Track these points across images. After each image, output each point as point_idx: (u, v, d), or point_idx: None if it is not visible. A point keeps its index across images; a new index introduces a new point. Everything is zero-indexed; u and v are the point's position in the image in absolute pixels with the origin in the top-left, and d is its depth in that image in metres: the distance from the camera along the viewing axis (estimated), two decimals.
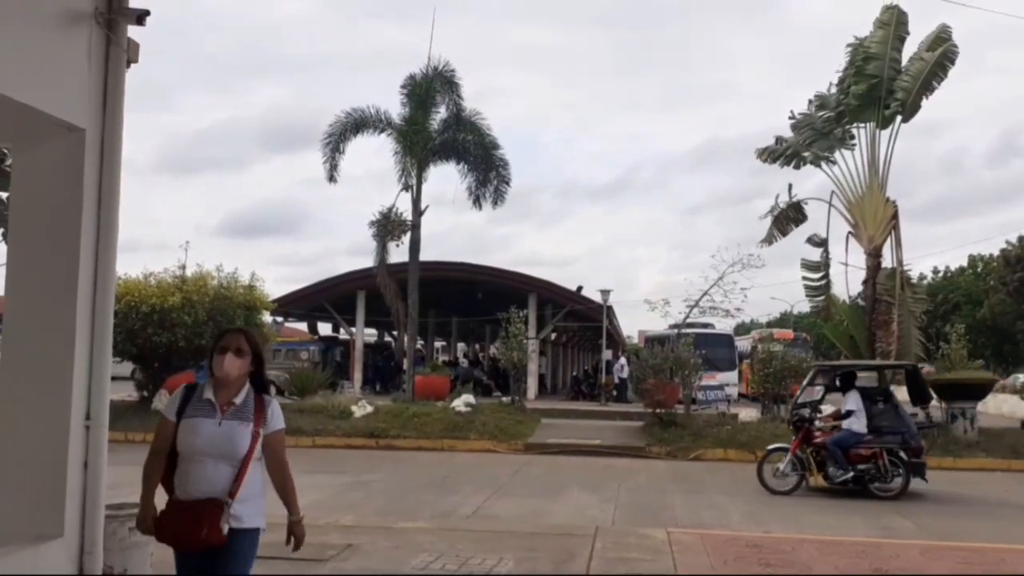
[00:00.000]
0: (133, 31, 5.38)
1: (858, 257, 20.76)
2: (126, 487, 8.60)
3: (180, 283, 19.34)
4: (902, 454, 12.33)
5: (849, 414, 12.50)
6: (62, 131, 5.03)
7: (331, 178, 24.14)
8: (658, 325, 33.15)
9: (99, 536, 5.05)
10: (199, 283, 19.37)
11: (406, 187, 24.21)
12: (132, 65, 5.44)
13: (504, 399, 23.34)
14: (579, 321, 34.31)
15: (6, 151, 20.16)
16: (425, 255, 24.97)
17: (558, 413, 24.07)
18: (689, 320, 25.75)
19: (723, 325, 31.32)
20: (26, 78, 4.56)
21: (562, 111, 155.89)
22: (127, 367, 22.30)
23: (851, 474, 12.25)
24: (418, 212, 24.14)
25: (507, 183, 24.95)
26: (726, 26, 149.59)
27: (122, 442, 15.01)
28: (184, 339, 18.60)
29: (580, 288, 33.11)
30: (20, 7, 4.56)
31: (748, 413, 20.60)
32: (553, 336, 38.34)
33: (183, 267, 20.20)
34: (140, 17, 5.25)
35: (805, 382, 15.10)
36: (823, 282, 21.36)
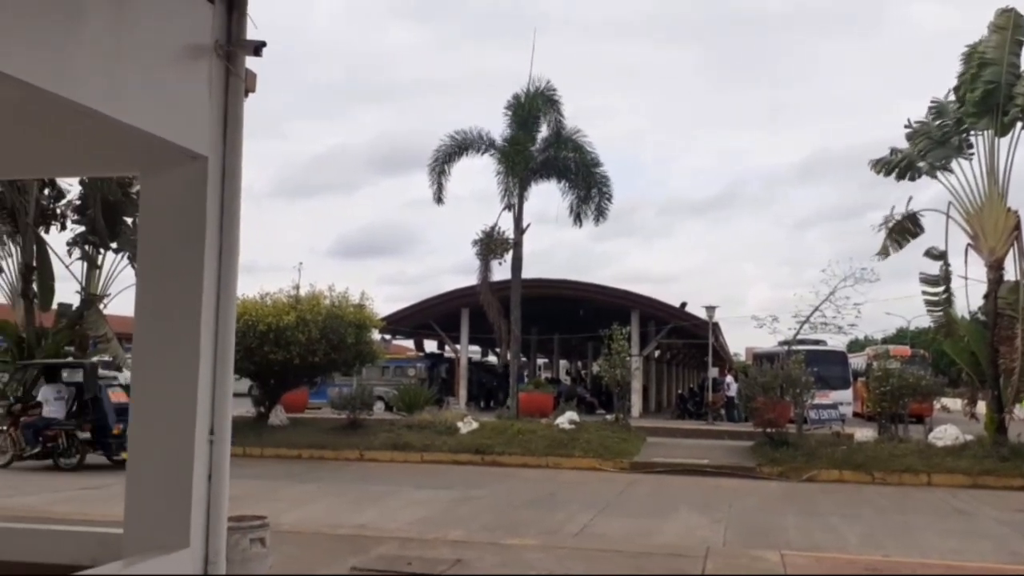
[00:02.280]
0: (250, 62, 5.61)
1: (978, 270, 19.77)
2: (246, 499, 8.93)
3: (294, 303, 20.00)
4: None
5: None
6: (186, 159, 5.27)
7: (438, 200, 24.60)
8: (766, 342, 32.29)
9: (222, 546, 5.22)
10: (312, 303, 19.99)
11: (508, 206, 24.43)
12: (250, 94, 5.66)
13: (608, 417, 23.16)
14: (683, 338, 33.80)
15: (132, 178, 21.33)
16: (527, 272, 25.13)
17: (664, 432, 23.73)
18: (800, 337, 24.99)
19: (835, 342, 30.23)
20: (153, 109, 4.81)
21: (663, 127, 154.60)
22: (244, 384, 23.16)
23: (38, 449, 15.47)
24: (520, 230, 24.30)
25: (609, 200, 24.91)
26: (831, 36, 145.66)
27: (240, 456, 15.60)
28: (299, 356, 19.20)
29: (684, 304, 32.65)
30: (147, 43, 4.82)
31: (864, 433, 19.84)
32: (657, 353, 37.88)
33: (297, 287, 20.95)
34: (257, 48, 5.46)
35: None
36: (944, 296, 20.38)
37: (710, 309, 30.03)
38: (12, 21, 3.77)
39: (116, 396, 16.36)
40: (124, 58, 4.51)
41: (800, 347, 23.88)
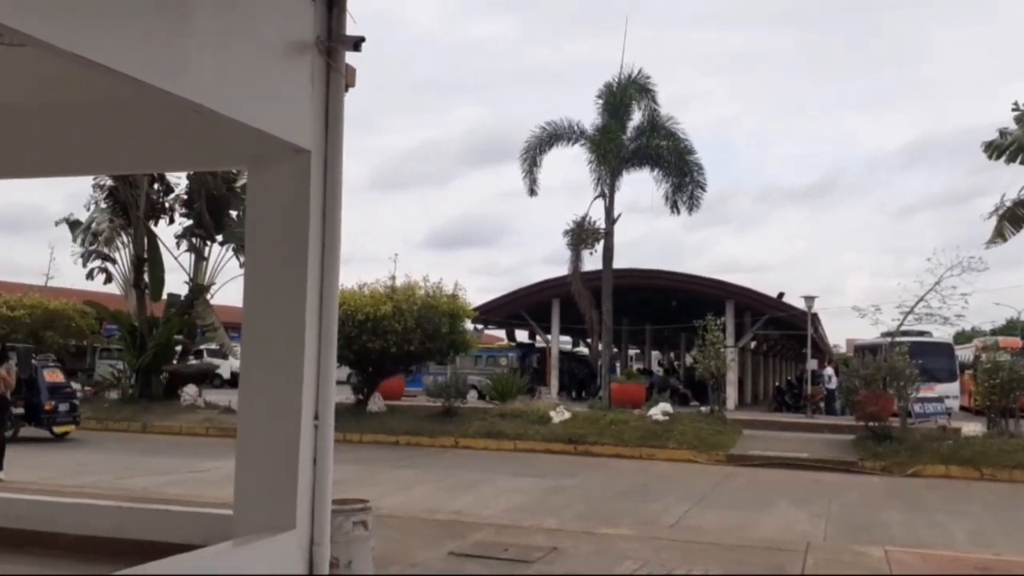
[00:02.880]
0: (350, 57, 5.74)
1: None
2: (347, 483, 9.17)
3: (391, 293, 20.40)
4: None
5: None
6: (290, 153, 5.43)
7: (531, 191, 24.65)
8: (868, 333, 31.22)
9: (327, 529, 5.38)
10: (408, 293, 20.35)
11: (599, 195, 24.30)
12: (350, 89, 5.79)
13: (702, 409, 22.86)
14: (781, 329, 33.04)
15: (236, 173, 22.10)
16: (618, 262, 24.95)
17: (760, 424, 23.28)
18: (903, 328, 24.11)
19: (941, 333, 29.10)
20: (260, 106, 4.97)
21: (760, 113, 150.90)
22: (343, 372, 23.76)
23: None
24: (611, 220, 24.15)
25: (703, 188, 24.50)
26: (936, 17, 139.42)
27: (340, 442, 15.98)
28: (395, 345, 19.59)
29: (781, 295, 31.90)
30: (253, 42, 4.98)
31: (972, 427, 19.03)
32: (752, 345, 37.15)
33: (393, 278, 21.36)
34: (356, 44, 5.58)
35: None
36: None
37: (809, 299, 29.23)
38: (128, 23, 3.94)
39: (51, 376, 17.89)
40: (232, 56, 4.67)
41: (904, 339, 23.05)
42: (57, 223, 24.05)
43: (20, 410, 16.81)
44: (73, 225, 23.61)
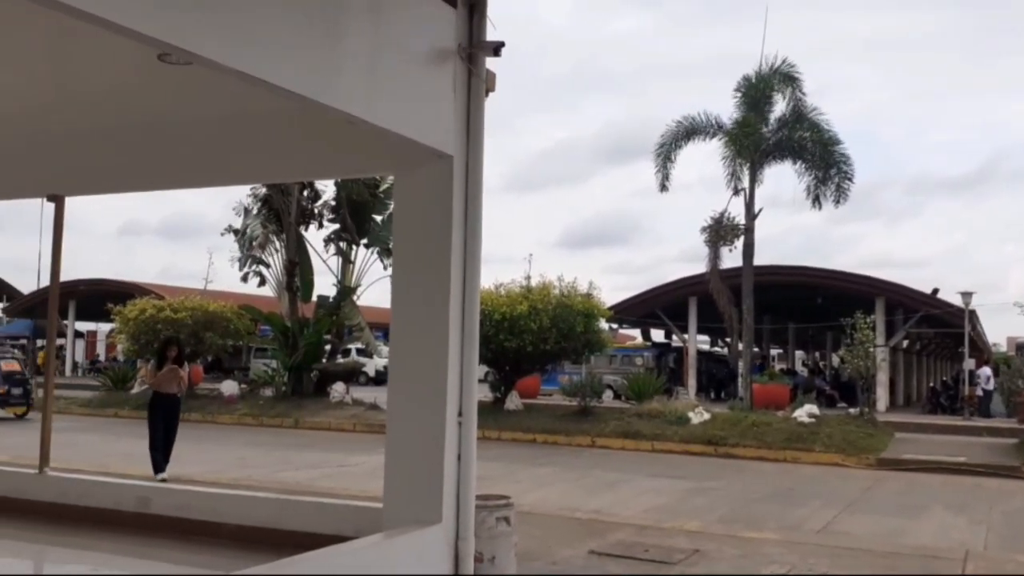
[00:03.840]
0: (490, 62, 5.85)
1: None
2: (487, 479, 9.35)
3: (526, 293, 20.63)
4: None
5: None
6: (433, 158, 5.59)
7: (663, 187, 24.38)
8: None
9: (471, 523, 5.50)
10: (543, 292, 20.53)
11: (738, 191, 23.76)
12: (490, 94, 5.91)
13: (851, 411, 21.97)
14: (935, 327, 31.36)
15: (379, 180, 22.87)
16: (759, 259, 24.31)
17: (913, 427, 22.18)
18: None
19: None
20: (406, 114, 5.14)
21: (909, 101, 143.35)
22: (480, 370, 24.20)
23: None
24: (751, 215, 23.57)
25: (849, 180, 23.58)
26: None
27: (479, 439, 16.26)
28: (531, 344, 19.80)
29: (936, 291, 30.24)
30: (399, 50, 5.16)
31: None
32: (905, 344, 35.39)
33: (528, 278, 21.59)
34: (497, 48, 5.68)
35: None
36: None
37: (966, 295, 27.59)
38: (285, 39, 4.17)
39: (8, 366, 21.91)
40: (381, 67, 4.86)
41: None
42: (222, 233, 25.56)
43: None
44: (235, 233, 25.05)
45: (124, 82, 5.79)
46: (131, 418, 22.27)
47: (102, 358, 45.14)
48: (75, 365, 44.30)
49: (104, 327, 45.20)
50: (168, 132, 6.59)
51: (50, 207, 7.65)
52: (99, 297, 35.14)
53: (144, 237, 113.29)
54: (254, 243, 24.23)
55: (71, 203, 7.71)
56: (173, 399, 11.45)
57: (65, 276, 7.94)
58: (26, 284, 52.94)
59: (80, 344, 48.17)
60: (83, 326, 48.70)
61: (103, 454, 14.37)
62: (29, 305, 44.46)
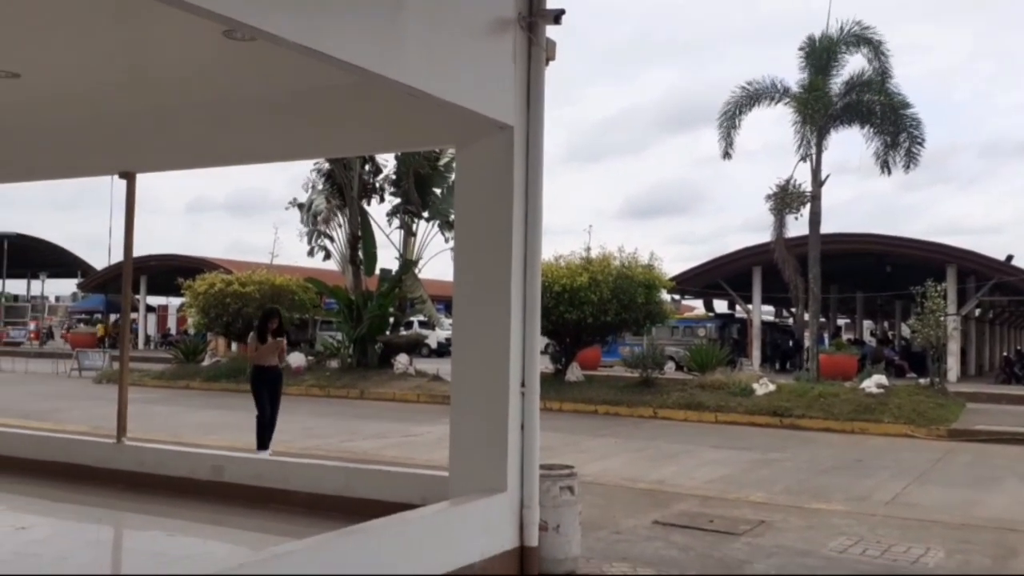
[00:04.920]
0: (549, 30, 5.81)
1: None
2: (550, 450, 9.40)
3: (586, 264, 20.54)
4: None
5: None
6: (494, 129, 5.59)
7: (726, 154, 23.93)
8: None
9: (535, 492, 5.57)
10: (603, 264, 20.43)
11: (804, 157, 23.21)
12: (550, 63, 5.87)
13: (921, 381, 21.48)
14: (1009, 295, 30.40)
15: (439, 152, 22.95)
16: (826, 227, 23.74)
17: (986, 397, 21.60)
18: None
19: None
20: (466, 85, 5.15)
21: (984, 61, 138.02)
22: (540, 342, 24.24)
23: None
24: (818, 182, 23.02)
25: (920, 144, 22.81)
26: None
27: (541, 410, 16.36)
28: (591, 316, 19.75)
29: (1010, 257, 29.28)
30: (459, 22, 5.16)
31: None
32: (977, 312, 34.40)
33: (588, 249, 21.47)
34: (557, 17, 5.64)
35: None
36: None
37: None
38: (348, 14, 4.20)
39: None
40: (441, 39, 4.87)
41: None
42: (287, 207, 25.97)
43: None
44: (300, 208, 25.43)
45: (191, 60, 5.91)
46: (202, 390, 22.93)
47: (173, 331, 46.43)
48: (147, 338, 45.64)
49: (175, 301, 46.44)
50: (234, 109, 6.72)
51: (122, 184, 7.90)
52: (169, 272, 36.08)
53: (211, 213, 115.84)
54: (318, 218, 24.57)
55: (141, 180, 7.93)
56: (276, 372, 10.98)
57: (137, 252, 8.19)
58: (99, 260, 54.68)
59: (152, 318, 49.63)
60: (154, 300, 50.15)
61: (177, 425, 14.82)
62: (102, 281, 45.91)
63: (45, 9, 4.91)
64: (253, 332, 11.26)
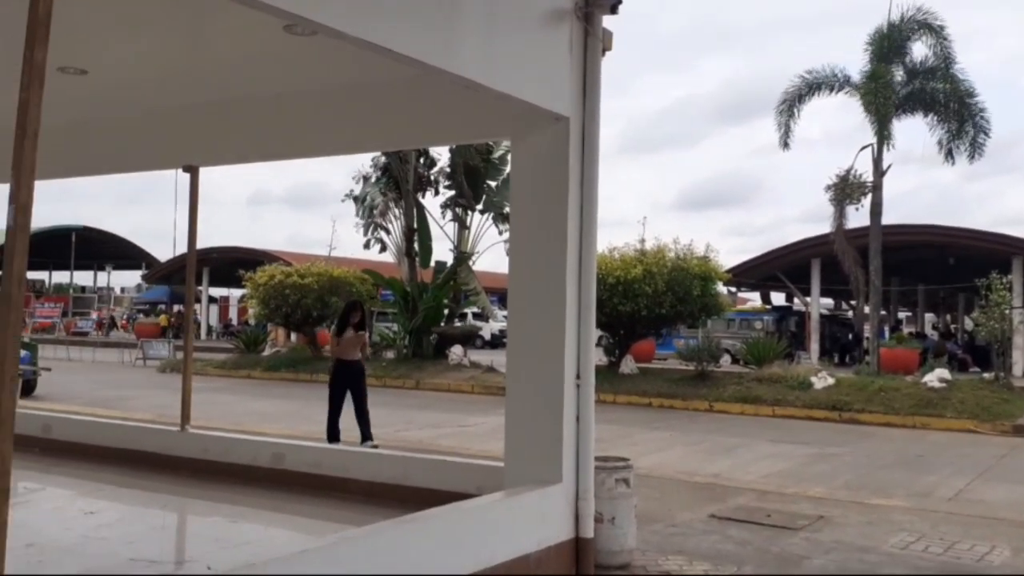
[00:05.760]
0: (606, 20, 5.77)
1: None
2: (604, 442, 9.39)
3: (640, 256, 20.42)
4: None
5: None
6: (550, 121, 5.58)
7: (784, 144, 23.62)
8: None
9: (591, 484, 5.57)
10: (658, 256, 20.29)
11: (865, 146, 22.78)
12: (606, 53, 5.84)
13: (985, 375, 20.93)
14: None
15: (492, 145, 23.01)
16: (887, 218, 23.31)
17: None
18: None
19: None
20: (522, 77, 5.15)
21: None
22: (595, 334, 24.19)
23: None
24: (880, 172, 22.58)
25: (986, 133, 22.27)
26: None
27: (595, 402, 16.37)
28: (646, 308, 19.64)
29: None
30: (515, 13, 5.16)
31: None
32: None
33: (642, 241, 21.33)
34: (614, 6, 5.59)
35: None
36: None
37: None
38: (405, 7, 4.23)
39: None
40: (497, 31, 4.88)
41: None
42: (343, 200, 26.32)
43: None
44: (356, 200, 25.75)
45: (253, 55, 6.02)
46: (263, 379, 23.37)
47: (234, 322, 47.40)
48: (209, 329, 46.64)
49: (236, 292, 47.39)
50: (294, 102, 6.82)
51: (185, 178, 8.08)
52: (231, 264, 36.82)
53: (271, 206, 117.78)
54: (374, 211, 24.84)
55: (203, 174, 8.10)
56: (358, 366, 10.54)
57: (200, 244, 8.36)
58: (162, 252, 56.02)
59: (213, 309, 50.72)
60: (216, 291, 51.25)
61: (238, 413, 15.13)
62: (166, 272, 47.05)
63: (112, 7, 5.04)
64: (333, 324, 10.74)
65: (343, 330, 10.48)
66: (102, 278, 61.64)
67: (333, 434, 10.26)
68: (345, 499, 6.85)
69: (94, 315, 51.92)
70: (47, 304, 49.73)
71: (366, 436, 10.25)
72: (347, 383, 10.39)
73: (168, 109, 7.44)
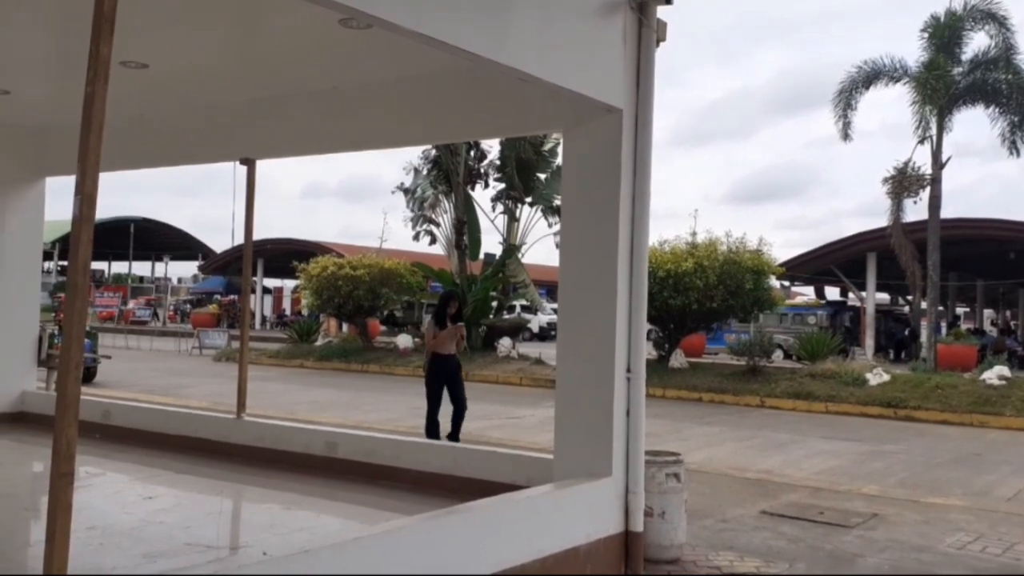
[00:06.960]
0: (660, 10, 5.72)
1: None
2: (654, 436, 9.34)
3: (692, 249, 20.24)
4: None
5: None
6: (602, 112, 5.55)
7: (845, 136, 23.14)
8: None
9: (640, 478, 5.55)
10: (709, 249, 20.08)
11: (923, 138, 22.24)
12: (660, 44, 5.79)
13: None
14: None
15: (543, 138, 22.98)
16: (946, 211, 22.76)
17: None
18: None
19: None
20: (576, 68, 5.13)
21: None
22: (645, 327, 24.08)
23: None
24: (938, 165, 22.03)
25: None
26: None
27: (645, 396, 16.28)
28: (696, 302, 19.46)
29: None
30: (569, 6, 5.14)
31: None
32: None
33: (694, 234, 21.16)
34: None
35: None
36: None
37: None
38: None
39: None
40: (550, 22, 4.87)
41: None
42: (393, 192, 26.60)
43: None
44: (405, 192, 25.95)
45: (309, 48, 6.10)
46: (316, 369, 23.69)
47: (288, 312, 48.10)
48: (263, 319, 47.41)
49: (289, 283, 48.09)
50: (348, 95, 6.89)
51: (242, 170, 8.20)
52: (285, 255, 37.37)
53: (324, 199, 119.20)
54: (425, 203, 25.00)
55: (260, 166, 8.22)
56: (453, 360, 10.11)
57: (256, 236, 8.49)
58: (218, 243, 57.04)
59: (268, 299, 51.52)
60: (270, 282, 52.06)
61: (292, 402, 15.36)
62: (222, 263, 47.91)
63: (172, 2, 5.14)
64: (431, 318, 10.30)
65: (442, 322, 9.95)
66: (160, 268, 63.04)
67: (432, 430, 9.88)
68: (396, 487, 6.92)
69: (143, 303, 52.62)
70: (106, 294, 50.97)
71: (454, 437, 9.78)
72: (444, 378, 9.96)
73: (226, 102, 7.57)
